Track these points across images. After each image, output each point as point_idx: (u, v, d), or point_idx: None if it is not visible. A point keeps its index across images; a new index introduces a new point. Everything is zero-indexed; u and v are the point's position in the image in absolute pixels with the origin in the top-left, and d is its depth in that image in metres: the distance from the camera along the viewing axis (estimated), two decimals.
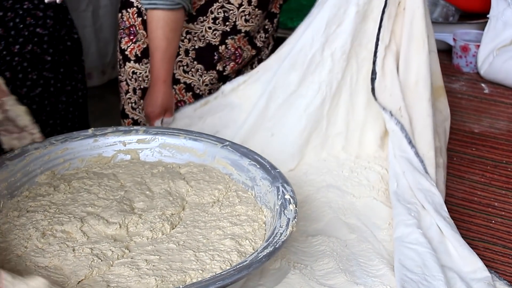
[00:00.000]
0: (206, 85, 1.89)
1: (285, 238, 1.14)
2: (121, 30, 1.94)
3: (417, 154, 1.53)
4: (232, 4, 1.78)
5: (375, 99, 1.57)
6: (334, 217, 1.47)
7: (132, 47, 1.89)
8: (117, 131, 1.48)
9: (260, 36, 1.92)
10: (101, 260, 1.14)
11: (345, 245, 1.38)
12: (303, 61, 1.61)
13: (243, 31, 1.84)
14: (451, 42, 2.36)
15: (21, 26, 1.98)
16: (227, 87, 1.74)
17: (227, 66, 1.89)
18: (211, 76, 1.88)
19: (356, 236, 1.41)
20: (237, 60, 1.88)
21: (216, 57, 1.85)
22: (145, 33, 1.85)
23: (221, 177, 1.41)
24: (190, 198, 1.35)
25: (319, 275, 1.28)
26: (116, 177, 1.41)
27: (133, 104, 1.95)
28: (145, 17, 1.82)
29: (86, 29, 3.71)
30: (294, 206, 1.22)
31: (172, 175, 1.41)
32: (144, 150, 1.49)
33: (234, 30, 1.83)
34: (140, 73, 1.89)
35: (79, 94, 2.24)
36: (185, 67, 1.86)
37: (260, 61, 1.96)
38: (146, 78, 1.89)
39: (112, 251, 1.17)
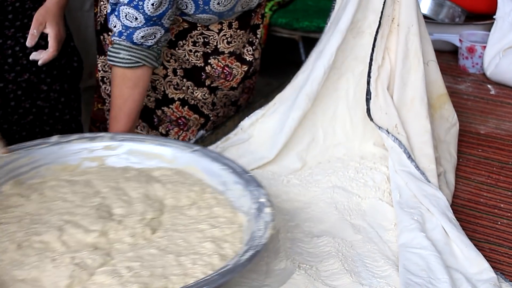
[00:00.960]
0: (199, 99, 1.88)
1: (265, 240, 1.13)
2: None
3: (417, 167, 1.54)
4: (212, 30, 1.76)
5: (371, 119, 1.58)
6: (339, 218, 1.46)
7: None
8: (82, 138, 1.44)
9: (247, 50, 1.89)
10: (82, 269, 1.11)
11: (350, 246, 1.37)
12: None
13: (226, 52, 1.82)
14: (457, 43, 2.36)
15: (20, 55, 1.94)
16: (245, 122, 1.71)
17: (220, 86, 1.87)
18: (203, 92, 1.86)
19: (361, 237, 1.40)
20: (227, 78, 1.86)
21: (204, 76, 1.83)
22: None
23: (195, 179, 1.38)
24: (168, 201, 1.32)
25: (324, 275, 1.28)
26: (90, 184, 1.35)
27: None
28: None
29: (89, 29, 3.71)
30: (271, 209, 1.20)
31: (146, 178, 1.37)
32: (111, 157, 1.44)
33: (216, 52, 1.80)
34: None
35: (75, 122, 2.20)
36: (175, 85, 1.84)
37: (255, 72, 1.95)
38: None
39: (93, 260, 1.13)
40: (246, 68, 1.88)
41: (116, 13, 1.57)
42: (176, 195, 1.33)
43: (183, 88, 1.83)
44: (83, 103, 3.37)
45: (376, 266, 1.32)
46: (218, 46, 1.79)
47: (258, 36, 1.91)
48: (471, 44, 2.30)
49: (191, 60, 1.79)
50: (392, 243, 1.39)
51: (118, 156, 1.44)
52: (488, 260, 1.32)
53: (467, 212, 1.52)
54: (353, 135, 1.68)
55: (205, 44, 1.77)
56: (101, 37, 1.90)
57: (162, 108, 1.86)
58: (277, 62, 3.91)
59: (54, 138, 1.43)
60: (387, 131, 1.57)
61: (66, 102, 2.12)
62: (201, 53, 1.78)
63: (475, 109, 2.02)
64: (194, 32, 1.75)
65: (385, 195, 1.54)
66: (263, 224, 1.17)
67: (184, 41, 1.76)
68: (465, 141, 1.83)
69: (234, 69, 1.84)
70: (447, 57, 2.35)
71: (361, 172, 1.61)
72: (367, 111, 1.58)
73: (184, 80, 1.82)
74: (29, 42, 1.75)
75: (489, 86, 2.20)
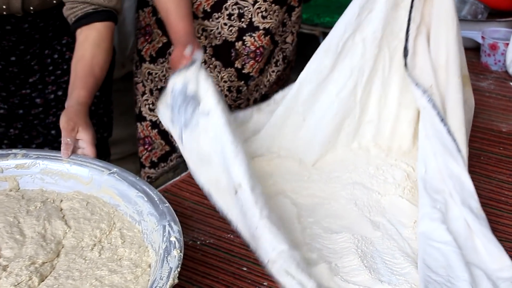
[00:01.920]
0: (225, 81, 1.88)
1: None
2: (138, 31, 1.95)
3: (449, 132, 1.49)
4: (247, 1, 1.76)
5: (408, 74, 1.55)
6: (359, 215, 1.46)
7: (147, 47, 1.89)
8: None
9: (278, 30, 1.90)
10: None
11: (370, 242, 1.37)
12: (336, 46, 1.60)
13: (261, 28, 1.82)
14: (480, 40, 2.34)
15: (60, 60, 1.90)
16: (278, 95, 1.69)
17: (246, 64, 1.87)
18: (230, 73, 1.87)
19: (381, 234, 1.40)
20: (257, 58, 1.87)
21: (233, 54, 1.83)
22: (159, 32, 1.84)
23: (105, 213, 1.29)
24: (67, 241, 1.22)
25: (343, 271, 1.28)
26: None
27: (151, 105, 1.95)
28: (159, 16, 1.81)
29: (125, 20, 3.74)
30: (179, 251, 1.11)
31: (49, 213, 1.27)
32: (24, 176, 1.35)
33: (251, 27, 1.81)
34: (156, 73, 1.88)
35: (107, 116, 2.15)
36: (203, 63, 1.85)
37: (285, 58, 1.95)
38: (163, 78, 1.88)
39: None
40: (272, 47, 1.88)
41: None
42: (78, 234, 1.24)
43: (210, 67, 1.84)
44: (119, 92, 3.40)
45: (395, 263, 1.31)
46: (253, 20, 1.78)
47: (293, 19, 1.91)
48: (494, 41, 2.28)
49: (223, 34, 1.79)
50: (411, 240, 1.39)
51: (32, 176, 1.36)
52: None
53: (488, 211, 1.51)
54: (385, 114, 1.67)
55: (240, 16, 1.77)
56: (137, 14, 1.90)
57: None
58: (298, 58, 3.90)
59: None
60: (423, 90, 1.54)
61: (100, 97, 2.11)
62: (236, 28, 1.78)
63: (497, 107, 2.01)
64: (229, 2, 1.75)
65: (405, 192, 1.53)
66: (167, 271, 1.07)
67: (219, 13, 1.76)
68: (487, 139, 1.81)
69: (266, 49, 1.84)
70: (469, 54, 2.33)
71: (382, 169, 1.61)
72: (404, 65, 1.56)
73: (213, 59, 1.83)
74: (65, 153, 1.40)
75: (511, 83, 2.18)
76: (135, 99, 2.02)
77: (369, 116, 1.67)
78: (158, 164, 2.03)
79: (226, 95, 1.89)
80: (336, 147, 1.66)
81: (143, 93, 1.96)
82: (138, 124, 2.02)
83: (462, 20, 2.48)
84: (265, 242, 1.19)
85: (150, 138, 2.01)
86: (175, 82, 1.34)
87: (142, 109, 1.98)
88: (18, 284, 1.10)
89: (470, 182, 1.45)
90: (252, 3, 1.77)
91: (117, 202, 1.31)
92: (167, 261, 1.09)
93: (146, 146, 2.03)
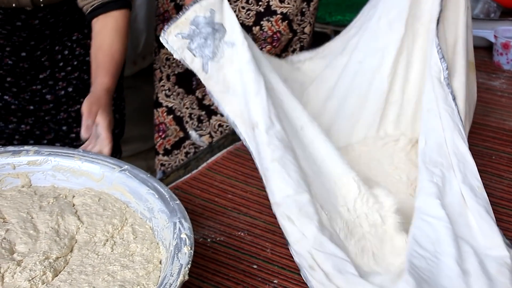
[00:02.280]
0: None
1: None
2: (157, 17, 1.95)
3: (459, 112, 1.49)
4: None
5: (437, 44, 1.53)
6: None
7: None
8: (5, 152, 1.35)
9: (297, 18, 1.89)
10: None
11: None
12: (365, 27, 1.63)
13: (278, 12, 1.80)
14: (492, 39, 2.32)
15: (70, 56, 1.91)
16: (294, 58, 1.70)
17: (263, 49, 1.86)
18: None
19: None
20: (274, 44, 1.85)
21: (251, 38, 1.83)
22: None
23: (117, 208, 1.30)
24: (80, 236, 1.23)
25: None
26: (0, 212, 1.26)
27: (167, 91, 1.95)
28: (177, 1, 1.81)
29: (137, 17, 3.75)
30: (189, 248, 1.12)
31: (62, 209, 1.28)
32: (36, 173, 1.36)
33: (269, 11, 1.79)
34: (174, 58, 1.89)
35: (120, 112, 2.14)
36: None
37: (302, 48, 1.94)
38: (180, 63, 1.88)
39: None
40: (291, 36, 1.87)
41: None
42: (90, 230, 1.24)
43: None
44: (130, 89, 3.41)
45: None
46: (271, 3, 1.77)
47: (311, 9, 1.91)
48: (506, 40, 2.26)
49: (240, 17, 1.77)
50: None
51: (44, 173, 1.36)
52: None
53: (499, 210, 1.50)
54: (407, 96, 1.68)
55: (258, 0, 1.76)
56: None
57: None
58: None
59: None
60: (446, 66, 1.52)
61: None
62: (254, 12, 1.77)
63: (509, 106, 1.99)
64: None
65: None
66: (177, 268, 1.08)
67: None
68: (498, 138, 1.80)
69: (283, 36, 1.84)
70: (482, 53, 2.32)
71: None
72: (436, 35, 1.54)
73: None
74: (85, 134, 1.52)
75: None
76: (154, 85, 2.03)
77: (395, 96, 1.68)
78: (171, 151, 2.04)
79: None
80: (362, 129, 1.67)
81: (160, 79, 1.97)
82: (155, 110, 2.03)
83: (474, 19, 2.46)
84: (273, 184, 1.25)
85: (165, 124, 2.01)
86: (197, 12, 1.35)
87: (159, 95, 1.99)
88: (32, 279, 1.11)
89: (473, 162, 1.44)
90: None
91: (128, 199, 1.31)
92: (178, 258, 1.10)
93: (160, 133, 2.04)
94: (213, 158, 1.68)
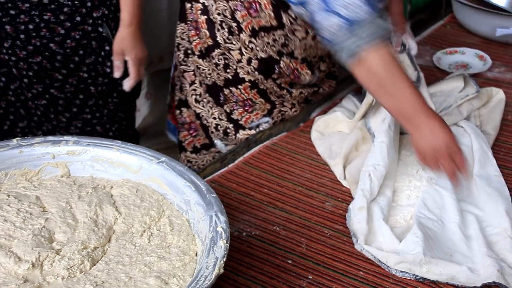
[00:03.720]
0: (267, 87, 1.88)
1: (209, 282, 1.04)
2: (181, 22, 1.94)
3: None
4: (296, 36, 1.74)
5: None
6: None
7: (198, 41, 1.88)
8: (45, 142, 1.36)
9: (316, 61, 1.87)
10: None
11: None
12: None
13: (299, 58, 1.80)
14: None
15: (34, 34, 1.90)
16: None
17: (281, 79, 1.86)
18: (269, 84, 1.86)
19: None
20: (295, 79, 1.85)
21: (276, 71, 1.82)
22: (207, 32, 1.83)
23: (154, 200, 1.31)
24: (118, 226, 1.25)
25: None
26: (40, 201, 1.28)
27: (197, 97, 1.94)
28: (210, 16, 1.80)
29: (161, 12, 3.74)
30: (225, 241, 1.11)
31: (100, 199, 1.29)
32: (75, 163, 1.37)
33: (291, 55, 1.79)
34: (204, 69, 1.88)
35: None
36: (248, 71, 1.84)
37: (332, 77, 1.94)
38: (209, 76, 1.88)
39: None
40: (313, 78, 1.87)
41: None
42: (128, 220, 1.25)
43: (255, 74, 1.83)
44: (152, 86, 3.43)
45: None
46: (294, 51, 1.78)
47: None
48: None
49: (268, 51, 1.78)
50: None
51: (83, 163, 1.37)
52: None
53: None
54: None
55: (284, 45, 1.76)
56: (189, 5, 1.90)
57: (230, 88, 1.87)
58: None
59: (15, 141, 1.35)
60: None
61: (122, 103, 2.15)
62: (277, 48, 1.77)
63: None
64: (279, 32, 1.74)
65: None
66: (213, 261, 1.08)
67: (266, 34, 1.75)
68: None
69: (302, 75, 1.83)
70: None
71: None
72: None
73: (256, 73, 1.82)
74: (117, 74, 1.93)
75: None
76: (181, 85, 2.02)
77: None
78: (200, 150, 2.04)
79: (270, 93, 1.88)
80: None
81: (192, 83, 1.96)
82: (184, 109, 2.02)
83: (502, 14, 2.39)
84: None
85: (195, 124, 2.01)
86: None
87: (188, 98, 1.98)
88: (70, 267, 1.13)
89: (494, 160, 1.59)
90: (300, 39, 1.76)
91: (165, 191, 1.32)
92: (213, 251, 1.10)
93: (191, 132, 2.04)
94: (249, 152, 1.68)
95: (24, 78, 1.97)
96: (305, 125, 1.80)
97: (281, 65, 1.80)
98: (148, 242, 1.21)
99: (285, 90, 1.87)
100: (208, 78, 1.88)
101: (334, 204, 1.49)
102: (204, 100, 1.92)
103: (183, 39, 1.95)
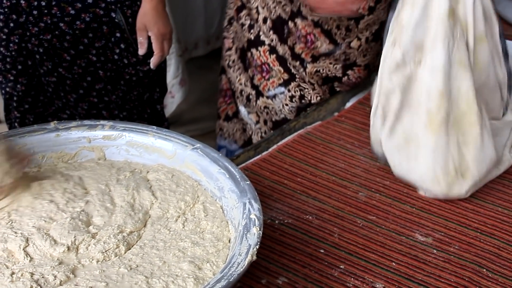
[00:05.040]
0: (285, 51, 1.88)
1: (241, 269, 1.04)
2: None
3: None
4: None
5: None
6: None
7: (233, 3, 1.93)
8: (82, 126, 1.38)
9: (340, 32, 1.86)
10: (40, 287, 1.05)
11: None
12: None
13: (308, 18, 1.79)
14: None
15: (45, 11, 1.93)
16: None
17: (297, 45, 1.85)
18: (284, 50, 1.86)
19: None
20: (308, 44, 1.84)
21: (286, 31, 1.82)
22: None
23: (189, 185, 1.31)
24: (153, 211, 1.26)
25: None
26: (82, 182, 1.30)
27: (231, 62, 1.98)
28: None
29: (196, 0, 3.77)
30: (258, 229, 1.12)
31: (138, 183, 1.31)
32: (110, 147, 1.39)
33: (300, 14, 1.78)
34: (236, 32, 1.90)
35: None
36: (263, 32, 1.85)
37: (352, 65, 1.91)
38: (239, 38, 1.89)
39: (55, 276, 1.07)
40: (332, 47, 1.85)
41: None
42: (164, 205, 1.27)
43: (270, 34, 1.84)
44: (202, 69, 3.45)
45: None
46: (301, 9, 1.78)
47: (360, 26, 1.87)
48: None
49: (278, 11, 1.79)
50: None
51: (118, 147, 1.39)
52: None
53: None
54: None
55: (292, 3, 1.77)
56: None
57: (252, 49, 1.87)
58: None
59: (52, 124, 1.37)
60: None
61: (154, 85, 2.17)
62: (289, 8, 1.77)
63: None
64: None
65: None
66: (246, 248, 1.08)
67: None
68: None
69: (318, 41, 1.82)
70: None
71: None
72: None
73: (271, 32, 1.82)
74: (141, 51, 1.95)
75: None
76: (222, 53, 2.06)
77: None
78: (232, 118, 2.06)
79: (290, 63, 1.88)
80: None
81: (229, 49, 1.99)
82: (223, 75, 2.06)
83: None
84: None
85: (230, 91, 2.03)
86: None
87: (223, 63, 2.01)
88: (105, 251, 1.14)
89: None
90: None
91: (199, 177, 1.33)
92: (246, 238, 1.11)
93: (226, 99, 2.06)
94: (283, 140, 1.68)
95: (36, 54, 2.00)
96: (340, 115, 1.79)
97: (290, 25, 1.79)
98: (183, 228, 1.22)
99: (298, 62, 1.85)
100: (239, 41, 1.90)
101: (368, 195, 1.48)
102: (236, 66, 1.94)
103: (230, 8, 2.00)
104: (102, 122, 1.40)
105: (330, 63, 1.88)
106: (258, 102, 1.91)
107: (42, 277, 1.07)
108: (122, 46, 2.00)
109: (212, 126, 3.33)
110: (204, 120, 3.36)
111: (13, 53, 2.01)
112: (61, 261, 1.11)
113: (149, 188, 1.31)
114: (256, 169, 1.56)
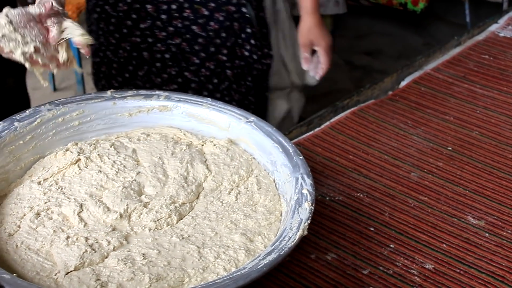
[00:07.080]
0: None
1: (292, 243, 1.04)
2: None
3: None
4: None
5: None
6: None
7: None
8: (138, 95, 1.39)
9: None
10: (95, 251, 1.07)
11: None
12: None
13: None
14: None
15: (176, 15, 1.86)
16: None
17: None
18: None
19: None
20: None
21: None
22: None
23: (244, 159, 1.32)
24: (207, 184, 1.26)
25: None
26: (135, 154, 1.31)
27: None
28: None
29: None
30: (310, 204, 1.12)
31: (193, 157, 1.31)
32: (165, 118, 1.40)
33: None
34: None
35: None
36: None
37: None
38: None
39: (109, 242, 1.09)
40: None
41: None
42: (217, 178, 1.27)
43: None
44: None
45: None
46: None
47: None
48: None
49: None
50: None
51: (173, 118, 1.39)
52: None
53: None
54: None
55: None
56: None
57: None
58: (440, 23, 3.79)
59: (109, 93, 1.38)
60: None
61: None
62: None
63: None
64: None
65: None
66: (297, 222, 1.09)
67: None
68: None
69: None
70: None
71: None
72: None
73: None
74: (305, 66, 1.85)
75: None
76: None
77: None
78: None
79: None
80: None
81: None
82: None
83: None
84: None
85: None
86: None
87: None
88: (157, 220, 1.16)
89: None
90: None
91: (252, 151, 1.34)
92: (298, 213, 1.11)
93: None
94: (336, 117, 1.67)
95: (156, 62, 1.93)
96: (394, 94, 1.77)
97: None
98: (236, 200, 1.23)
99: None
100: None
101: (420, 175, 1.47)
102: None
103: None
104: (157, 92, 1.41)
105: None
106: None
107: (96, 242, 1.10)
108: (252, 42, 1.94)
109: None
110: None
111: (122, 60, 1.95)
112: (114, 228, 1.14)
113: (204, 161, 1.32)
114: (308, 145, 1.56)
